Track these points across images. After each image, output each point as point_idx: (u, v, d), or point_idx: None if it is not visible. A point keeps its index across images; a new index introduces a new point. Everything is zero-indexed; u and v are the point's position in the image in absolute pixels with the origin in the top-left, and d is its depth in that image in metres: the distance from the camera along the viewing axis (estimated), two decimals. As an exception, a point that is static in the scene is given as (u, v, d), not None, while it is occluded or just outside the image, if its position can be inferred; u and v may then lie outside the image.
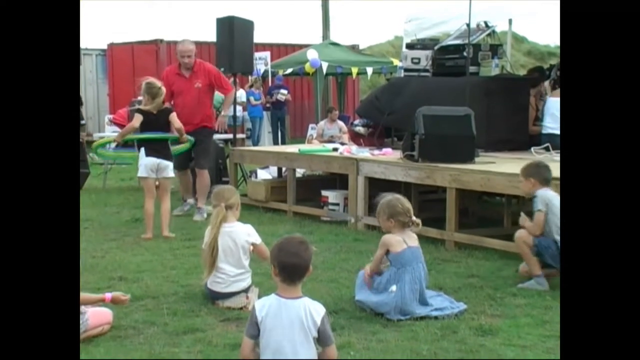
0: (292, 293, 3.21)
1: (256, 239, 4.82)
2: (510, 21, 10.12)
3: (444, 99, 7.25)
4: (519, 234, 5.17)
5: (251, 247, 4.81)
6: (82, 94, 19.33)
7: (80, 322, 3.99)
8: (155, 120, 6.89)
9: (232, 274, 4.72)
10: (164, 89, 6.96)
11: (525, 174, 5.25)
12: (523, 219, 5.21)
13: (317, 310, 3.20)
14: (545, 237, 5.05)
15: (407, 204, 4.65)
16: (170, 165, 6.97)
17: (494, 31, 9.01)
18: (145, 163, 6.90)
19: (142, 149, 6.96)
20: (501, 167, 6.33)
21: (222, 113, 8.58)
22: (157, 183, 7.08)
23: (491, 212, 8.16)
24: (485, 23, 8.83)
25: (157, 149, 6.92)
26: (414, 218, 4.62)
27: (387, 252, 4.59)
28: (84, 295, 4.09)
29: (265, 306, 3.20)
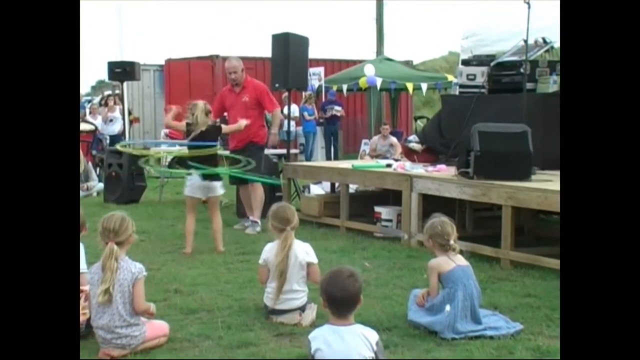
0: (344, 321, 3.19)
1: (313, 258, 4.79)
2: None
3: (503, 119, 7.14)
4: None
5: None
6: (139, 108, 19.85)
7: (138, 333, 4.07)
8: (203, 137, 6.84)
9: (284, 291, 4.70)
10: (201, 105, 6.90)
11: None
12: None
13: (371, 336, 3.18)
14: None
15: (449, 228, 4.57)
16: (218, 184, 6.98)
17: (552, 47, 8.86)
18: (193, 183, 6.90)
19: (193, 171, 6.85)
20: (558, 186, 6.21)
21: (272, 131, 8.68)
22: (204, 199, 7.12)
23: (548, 230, 8.00)
24: (544, 39, 8.69)
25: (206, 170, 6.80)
26: (451, 242, 4.55)
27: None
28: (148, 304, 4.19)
29: (318, 337, 3.18)
